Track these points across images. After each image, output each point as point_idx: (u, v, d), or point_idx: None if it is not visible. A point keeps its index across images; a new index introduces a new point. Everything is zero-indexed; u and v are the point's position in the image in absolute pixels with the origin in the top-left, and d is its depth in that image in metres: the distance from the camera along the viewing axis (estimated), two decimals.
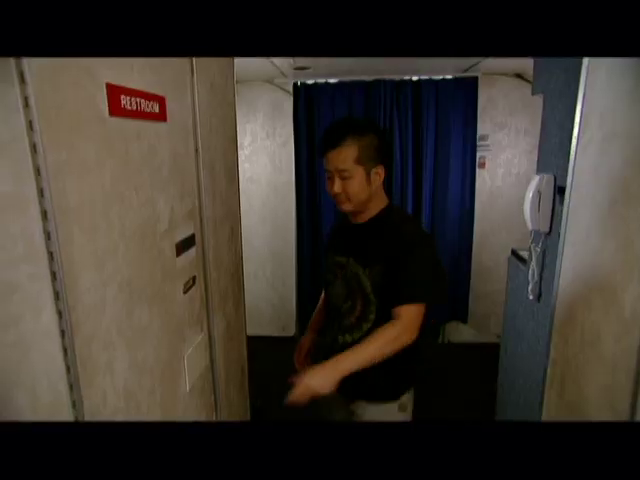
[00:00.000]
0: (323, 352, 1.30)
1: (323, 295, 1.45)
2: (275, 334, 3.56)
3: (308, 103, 3.09)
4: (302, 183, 3.22)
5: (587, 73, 1.30)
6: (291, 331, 3.60)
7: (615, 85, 1.17)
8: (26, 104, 0.60)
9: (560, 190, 1.60)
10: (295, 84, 3.08)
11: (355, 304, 1.21)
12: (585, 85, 1.31)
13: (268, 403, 1.82)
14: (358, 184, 1.14)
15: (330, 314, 1.34)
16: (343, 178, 1.13)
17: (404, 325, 1.10)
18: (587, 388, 0.95)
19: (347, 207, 1.18)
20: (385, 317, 1.14)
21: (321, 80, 3.04)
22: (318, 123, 3.11)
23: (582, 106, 1.33)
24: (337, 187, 1.14)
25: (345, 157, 1.11)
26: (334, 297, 1.28)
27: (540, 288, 1.79)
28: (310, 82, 3.06)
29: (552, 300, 1.53)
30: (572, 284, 1.40)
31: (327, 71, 2.79)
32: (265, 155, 3.27)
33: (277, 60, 2.41)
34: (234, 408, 1.50)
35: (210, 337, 1.24)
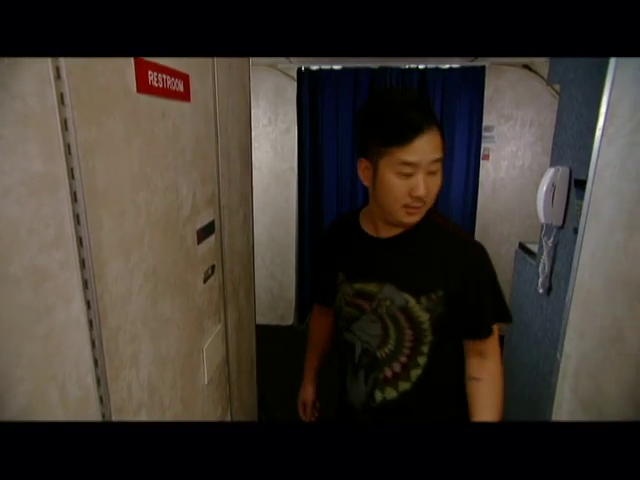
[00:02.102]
0: (350, 415, 1.03)
1: (315, 328, 1.20)
2: (274, 323, 3.54)
3: (312, 89, 3.03)
4: (305, 171, 3.18)
5: (616, 62, 1.27)
6: (289, 320, 3.58)
7: None
8: (58, 76, 0.55)
9: (577, 183, 1.58)
10: (299, 70, 3.01)
11: (400, 346, 0.93)
12: (614, 75, 1.28)
13: (270, 393, 1.81)
14: (441, 182, 0.87)
15: (351, 362, 1.00)
16: (430, 173, 0.83)
17: (498, 364, 0.93)
18: (606, 385, 0.93)
19: (417, 218, 0.88)
20: (441, 358, 0.94)
21: (326, 66, 2.97)
22: (322, 110, 3.05)
23: (609, 96, 1.30)
24: (426, 187, 0.83)
25: (438, 143, 0.83)
26: (363, 339, 0.96)
27: (550, 282, 1.79)
28: (314, 68, 2.99)
29: (567, 294, 1.52)
30: (590, 279, 1.39)
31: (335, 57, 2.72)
32: (267, 141, 3.21)
33: None
34: (245, 401, 1.47)
35: (226, 328, 1.20)
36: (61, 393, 0.58)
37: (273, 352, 2.92)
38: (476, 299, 0.91)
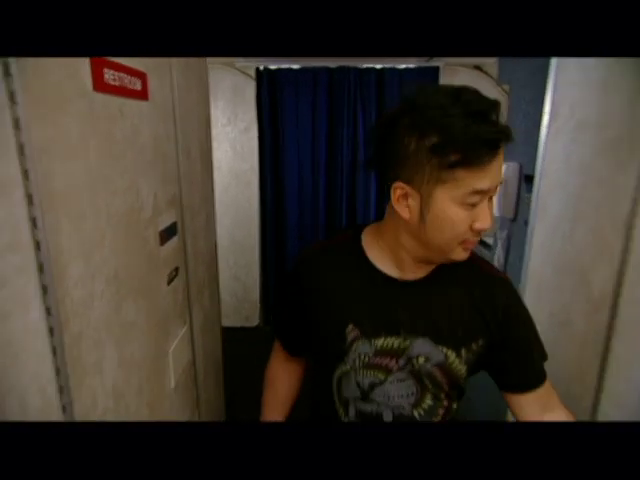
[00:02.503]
0: None
1: (280, 378, 0.93)
2: (238, 324, 3.50)
3: (271, 89, 3.02)
4: (266, 170, 3.16)
5: (556, 65, 1.36)
6: (254, 321, 3.55)
7: (585, 76, 1.23)
8: (7, 72, 0.53)
9: (527, 178, 1.67)
10: (258, 69, 2.99)
11: (438, 401, 0.77)
12: (555, 76, 1.36)
13: (237, 395, 1.79)
14: None
15: None
16: (490, 199, 0.66)
17: (570, 414, 0.78)
18: (556, 365, 1.00)
19: (469, 253, 0.71)
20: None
21: (285, 65, 2.97)
22: (281, 110, 3.05)
23: (552, 96, 1.39)
24: (491, 215, 0.66)
25: (501, 164, 0.65)
26: (393, 405, 0.76)
27: (505, 271, 1.88)
28: (273, 67, 2.98)
29: (520, 283, 1.61)
30: (541, 268, 1.48)
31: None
32: (226, 141, 3.17)
33: None
34: (212, 404, 1.46)
35: (192, 330, 1.18)
36: (21, 404, 0.56)
37: (240, 354, 2.89)
38: (524, 343, 0.77)
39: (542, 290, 1.46)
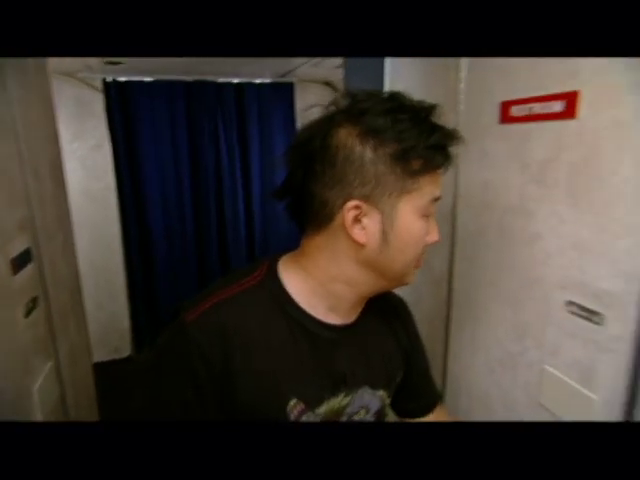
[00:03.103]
0: None
1: None
2: (107, 358, 3.19)
3: (123, 102, 2.84)
4: (124, 189, 2.95)
5: (390, 78, 1.60)
6: (126, 351, 3.28)
7: (409, 91, 1.47)
8: None
9: None
10: (105, 81, 2.79)
11: None
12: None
13: None
14: None
15: None
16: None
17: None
18: None
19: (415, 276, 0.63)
20: None
21: (136, 78, 2.83)
22: (137, 124, 2.89)
23: None
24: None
25: None
26: None
27: None
28: (123, 79, 2.82)
29: None
30: None
31: (144, 68, 2.62)
32: (74, 159, 2.88)
33: None
34: None
35: (58, 365, 1.08)
36: None
37: (113, 387, 2.65)
38: (427, 363, 0.78)
39: None
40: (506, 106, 0.98)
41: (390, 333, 0.71)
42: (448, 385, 1.34)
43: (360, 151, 0.54)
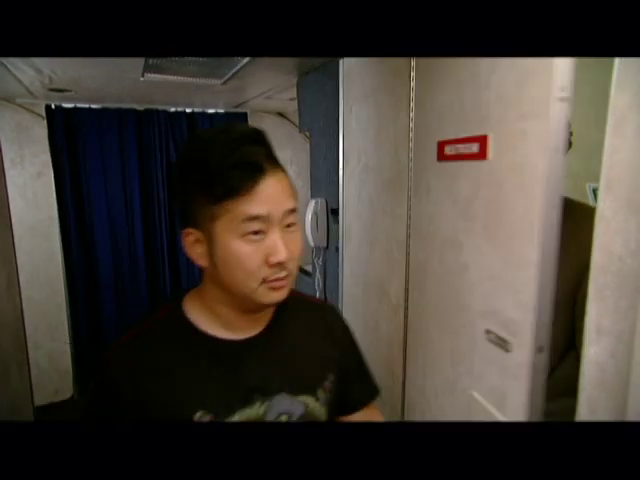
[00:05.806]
0: None
1: None
2: (46, 401, 2.94)
3: (68, 130, 2.74)
4: (68, 220, 2.81)
5: (343, 118, 1.69)
6: (67, 393, 3.04)
7: (364, 127, 1.56)
8: None
9: (333, 211, 1.96)
10: (48, 107, 2.69)
11: None
12: (343, 128, 1.69)
13: None
14: (302, 241, 0.67)
15: None
16: (287, 228, 0.63)
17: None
18: (371, 364, 1.23)
19: (285, 293, 0.65)
20: None
21: (83, 105, 2.75)
22: (83, 153, 2.79)
23: (343, 144, 1.70)
24: (287, 247, 0.61)
25: (288, 188, 0.63)
26: None
27: (325, 294, 2.13)
28: (68, 106, 2.73)
29: (338, 302, 1.86)
30: (352, 287, 1.75)
31: (91, 96, 2.55)
32: (13, 188, 2.71)
33: (24, 77, 2.07)
34: None
35: None
36: None
37: None
38: (359, 363, 0.82)
39: (356, 304, 1.72)
40: (442, 145, 1.05)
41: (310, 339, 0.75)
42: (406, 408, 1.37)
43: (179, 184, 0.64)
